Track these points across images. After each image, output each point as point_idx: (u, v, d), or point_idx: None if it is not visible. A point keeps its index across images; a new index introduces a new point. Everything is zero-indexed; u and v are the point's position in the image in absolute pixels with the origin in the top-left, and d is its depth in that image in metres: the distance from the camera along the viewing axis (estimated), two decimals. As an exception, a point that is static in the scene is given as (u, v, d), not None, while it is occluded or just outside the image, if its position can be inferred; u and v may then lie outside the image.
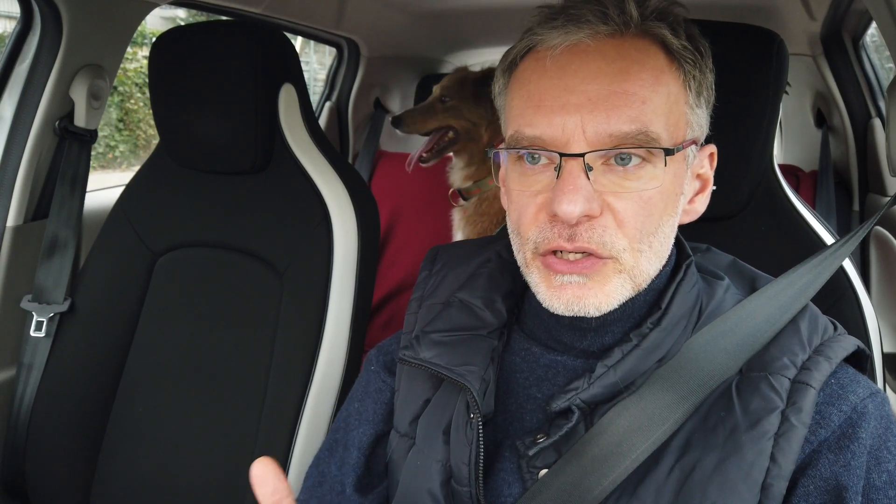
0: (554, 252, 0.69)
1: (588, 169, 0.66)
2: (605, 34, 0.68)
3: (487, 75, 2.02)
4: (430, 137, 2.10)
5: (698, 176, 0.76)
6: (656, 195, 0.68)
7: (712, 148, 0.77)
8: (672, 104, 0.69)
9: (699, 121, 0.72)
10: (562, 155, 0.66)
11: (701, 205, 0.77)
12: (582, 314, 0.69)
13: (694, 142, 0.72)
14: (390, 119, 2.14)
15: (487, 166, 2.03)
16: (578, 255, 0.68)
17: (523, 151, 0.69)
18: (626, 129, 0.66)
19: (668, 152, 0.67)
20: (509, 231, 0.75)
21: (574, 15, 0.68)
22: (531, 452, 0.71)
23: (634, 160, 0.67)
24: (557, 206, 0.65)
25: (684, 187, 0.72)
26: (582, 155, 0.65)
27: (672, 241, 0.73)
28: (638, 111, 0.66)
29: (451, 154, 2.12)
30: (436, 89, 2.10)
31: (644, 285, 0.71)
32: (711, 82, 0.74)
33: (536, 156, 0.69)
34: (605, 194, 0.67)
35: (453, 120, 2.04)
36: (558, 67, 0.68)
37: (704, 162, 0.76)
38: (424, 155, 2.10)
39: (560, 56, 0.68)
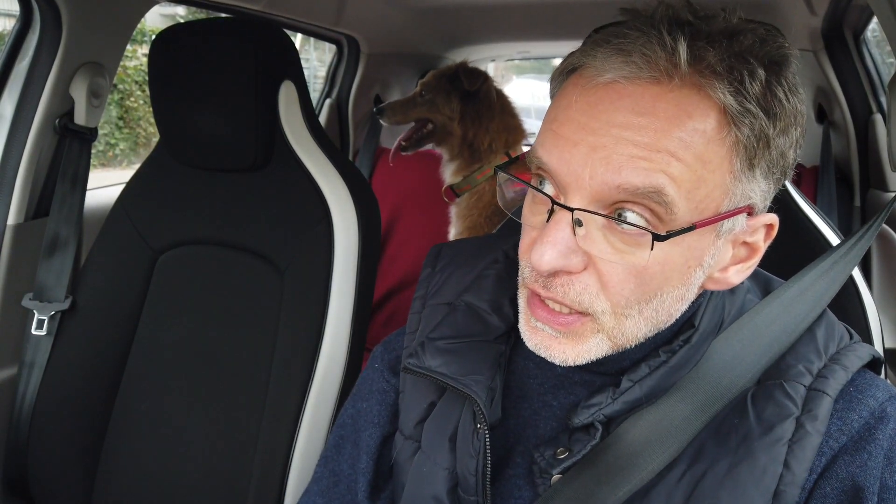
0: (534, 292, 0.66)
1: (577, 224, 0.60)
2: (647, 79, 0.59)
3: (458, 73, 2.07)
4: (411, 128, 2.19)
5: (745, 244, 0.67)
6: (653, 266, 0.61)
7: (772, 219, 0.66)
8: (707, 172, 0.59)
9: (745, 191, 0.62)
10: (553, 202, 0.62)
11: (736, 276, 0.67)
12: (549, 360, 0.67)
13: (739, 212, 0.63)
14: (374, 109, 2.20)
15: (473, 160, 2.07)
16: (556, 307, 0.65)
17: (525, 183, 0.66)
18: (637, 183, 0.58)
19: (658, 238, 0.59)
20: None
21: (621, 47, 0.60)
22: (554, 471, 0.69)
23: (636, 221, 0.60)
24: (532, 254, 0.61)
25: (706, 259, 0.64)
26: (571, 210, 0.60)
27: (681, 309, 0.67)
28: (657, 166, 0.58)
29: (433, 148, 2.19)
30: (419, 84, 2.18)
31: (627, 346, 0.67)
32: (784, 149, 0.62)
33: (538, 187, 0.65)
34: (594, 255, 0.61)
35: (430, 113, 2.13)
36: (587, 103, 0.61)
37: (759, 231, 0.66)
38: (403, 143, 2.18)
39: (591, 91, 0.61)
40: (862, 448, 0.65)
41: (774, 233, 0.68)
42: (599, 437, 0.68)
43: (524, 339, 0.69)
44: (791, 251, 0.92)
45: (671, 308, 0.65)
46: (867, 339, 0.91)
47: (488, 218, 2.03)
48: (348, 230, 1.24)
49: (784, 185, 0.99)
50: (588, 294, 0.62)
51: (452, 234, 2.15)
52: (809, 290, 0.74)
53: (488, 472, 0.70)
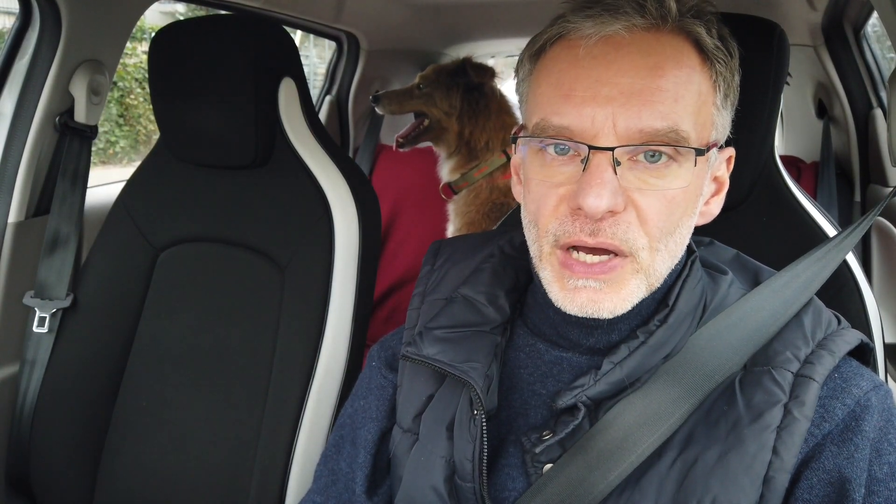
0: (575, 247, 0.68)
1: (616, 164, 0.64)
2: (642, 27, 0.66)
3: (460, 68, 2.08)
4: (410, 125, 2.18)
5: (715, 178, 0.75)
6: (680, 195, 0.67)
7: (731, 151, 0.76)
8: (701, 104, 0.68)
9: (723, 122, 0.71)
10: (591, 147, 0.65)
11: (716, 207, 0.76)
12: (595, 316, 0.68)
13: (718, 144, 0.71)
14: (371, 97, 2.20)
15: (470, 157, 2.07)
16: (595, 259, 0.67)
17: (550, 141, 0.68)
18: (658, 126, 0.64)
19: (700, 152, 0.66)
20: (524, 223, 0.74)
21: (610, 5, 0.66)
22: (538, 450, 0.70)
23: (662, 158, 0.66)
24: (583, 199, 0.64)
25: (703, 189, 0.72)
26: (612, 149, 0.64)
27: (687, 241, 0.73)
28: (670, 108, 0.65)
29: (430, 145, 2.19)
30: (418, 77, 2.17)
31: (656, 285, 0.70)
32: (737, 84, 0.73)
33: (564, 147, 0.67)
34: (630, 190, 0.66)
35: (426, 107, 2.12)
36: (592, 57, 0.66)
37: (722, 165, 0.75)
38: (400, 140, 2.18)
39: (594, 46, 0.66)
40: (849, 440, 0.65)
41: (732, 165, 0.77)
42: (582, 417, 0.69)
43: (563, 308, 0.70)
44: (791, 246, 0.92)
45: (684, 240, 0.71)
46: (867, 334, 0.91)
47: (485, 214, 2.04)
48: (349, 227, 1.24)
49: (784, 181, 0.99)
50: (631, 231, 0.66)
51: (450, 230, 2.16)
52: (799, 277, 0.76)
53: (485, 458, 0.71)
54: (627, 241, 0.66)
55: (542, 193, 0.69)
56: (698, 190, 0.70)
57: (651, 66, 0.65)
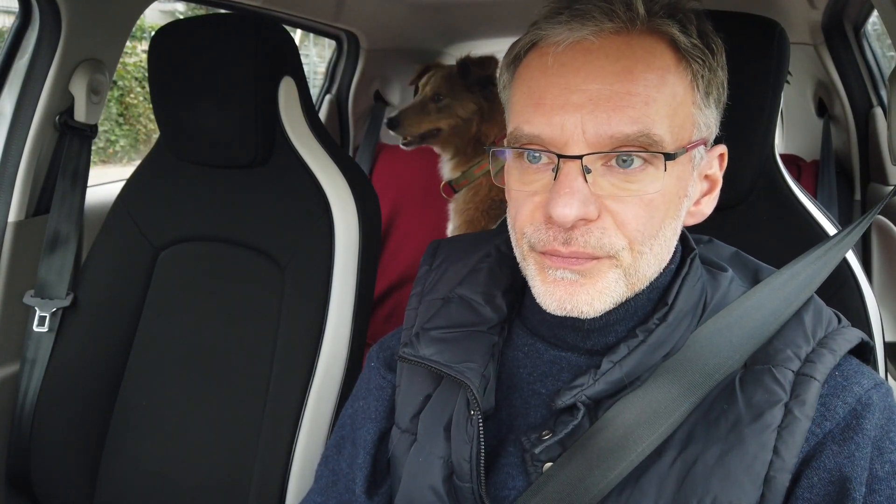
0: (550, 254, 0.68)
1: (586, 171, 0.64)
2: (611, 31, 0.66)
3: (464, 68, 2.06)
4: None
5: (706, 177, 0.74)
6: (657, 198, 0.66)
7: (722, 148, 0.74)
8: (678, 105, 0.67)
9: (707, 121, 0.70)
10: (559, 156, 0.65)
11: (707, 206, 0.75)
12: (574, 314, 0.68)
13: (702, 142, 0.70)
14: (386, 121, 2.17)
15: (474, 153, 2.06)
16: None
17: (522, 150, 0.68)
18: (628, 131, 0.64)
19: (669, 157, 0.65)
20: (508, 226, 0.75)
21: (579, 10, 0.66)
22: (537, 450, 0.70)
23: (636, 162, 0.65)
24: (553, 208, 0.64)
25: (689, 190, 0.71)
26: (580, 157, 0.64)
27: (674, 244, 0.72)
28: (641, 112, 0.64)
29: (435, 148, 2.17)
30: (426, 88, 2.12)
31: (639, 287, 0.70)
32: (723, 81, 0.71)
33: (537, 155, 0.67)
34: (604, 197, 0.65)
35: (445, 120, 2.08)
36: (560, 65, 0.66)
37: (714, 163, 0.74)
38: (408, 138, 2.15)
39: (563, 53, 0.66)
40: (849, 438, 0.65)
41: (725, 162, 0.75)
42: (582, 416, 0.69)
43: (543, 304, 0.69)
44: (791, 244, 0.92)
45: (670, 243, 0.71)
46: (867, 332, 0.91)
47: (485, 212, 2.03)
48: (349, 226, 1.24)
49: (784, 179, 0.99)
50: (607, 236, 0.65)
51: (450, 229, 2.15)
52: (799, 275, 0.76)
53: (482, 458, 0.71)
54: (602, 246, 0.66)
55: (520, 201, 0.69)
56: (680, 192, 0.69)
57: (620, 70, 0.64)
